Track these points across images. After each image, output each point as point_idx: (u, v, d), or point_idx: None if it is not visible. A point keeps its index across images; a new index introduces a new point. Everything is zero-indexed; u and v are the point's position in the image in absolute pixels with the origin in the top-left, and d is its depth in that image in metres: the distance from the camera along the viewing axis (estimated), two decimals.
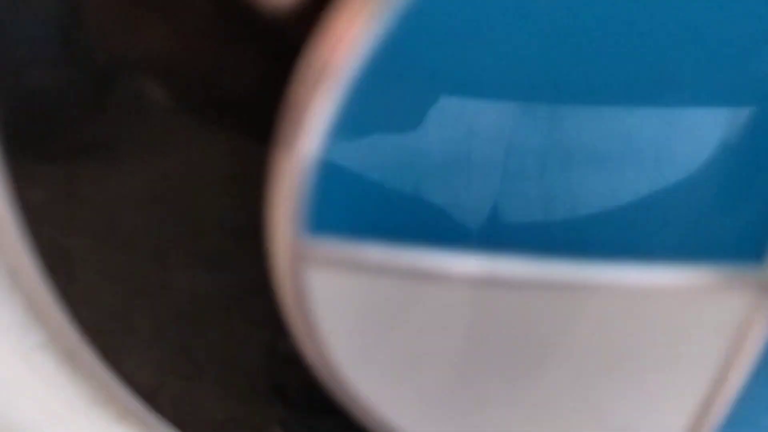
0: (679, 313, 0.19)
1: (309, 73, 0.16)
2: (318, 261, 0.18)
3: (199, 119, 0.18)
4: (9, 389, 0.25)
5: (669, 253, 0.18)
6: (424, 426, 0.22)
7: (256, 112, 0.18)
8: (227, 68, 0.17)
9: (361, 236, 0.18)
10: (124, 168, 0.20)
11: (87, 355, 0.24)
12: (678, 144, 0.16)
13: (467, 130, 0.17)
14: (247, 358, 0.24)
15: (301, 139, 0.16)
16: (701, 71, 0.16)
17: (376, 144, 0.17)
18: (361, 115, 0.17)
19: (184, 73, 0.18)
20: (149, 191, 0.20)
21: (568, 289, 0.18)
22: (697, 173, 0.17)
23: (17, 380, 0.25)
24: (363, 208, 0.18)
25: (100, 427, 0.27)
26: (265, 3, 0.15)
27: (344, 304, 0.19)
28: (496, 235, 0.18)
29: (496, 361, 0.20)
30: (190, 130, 0.19)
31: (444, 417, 0.22)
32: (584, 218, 0.17)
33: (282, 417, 0.26)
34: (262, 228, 0.19)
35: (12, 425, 0.26)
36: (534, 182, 0.17)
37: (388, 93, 0.16)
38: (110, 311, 0.23)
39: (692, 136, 0.16)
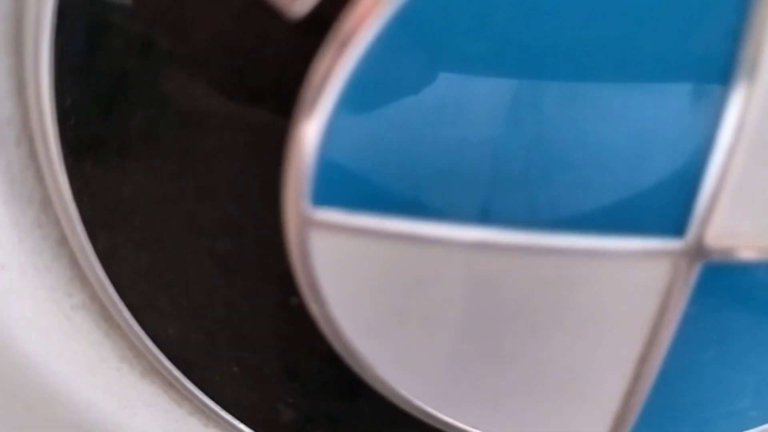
0: (614, 277, 0.21)
1: (321, 62, 0.18)
2: (319, 227, 0.21)
3: (226, 104, 0.21)
4: (52, 343, 0.27)
5: (605, 225, 0.20)
6: (408, 377, 0.25)
7: (276, 98, 0.20)
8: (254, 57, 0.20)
9: (356, 207, 0.21)
10: (157, 149, 0.22)
11: (120, 316, 0.26)
12: (609, 131, 0.19)
13: (460, 114, 0.19)
14: (260, 328, 0.26)
15: (308, 119, 0.19)
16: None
17: (374, 124, 0.19)
18: (361, 97, 0.19)
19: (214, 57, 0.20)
20: (179, 169, 0.22)
21: (524, 254, 0.21)
22: (628, 157, 0.19)
23: (59, 335, 0.27)
24: (358, 183, 0.20)
25: (128, 381, 0.28)
26: (283, 10, 0.18)
27: (341, 264, 0.22)
28: (470, 209, 0.20)
29: (465, 319, 0.23)
30: (217, 116, 0.21)
31: (426, 371, 0.25)
32: (541, 194, 0.20)
33: (292, 398, 0.28)
34: (276, 199, 0.21)
35: (52, 375, 0.27)
36: (500, 171, 0.20)
37: (389, 75, 0.19)
38: (142, 277, 0.25)
39: (622, 124, 0.19)
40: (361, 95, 0.19)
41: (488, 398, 0.25)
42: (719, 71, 0.18)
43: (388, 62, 0.19)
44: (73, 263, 0.26)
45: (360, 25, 0.18)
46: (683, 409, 0.25)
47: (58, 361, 0.27)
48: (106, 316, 0.27)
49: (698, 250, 0.20)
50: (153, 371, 0.28)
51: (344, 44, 0.18)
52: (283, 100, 0.20)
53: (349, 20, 0.18)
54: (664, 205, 0.20)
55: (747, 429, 0.26)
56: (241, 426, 0.29)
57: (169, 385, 0.28)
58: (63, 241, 0.25)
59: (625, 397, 0.24)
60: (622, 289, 0.22)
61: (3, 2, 0.21)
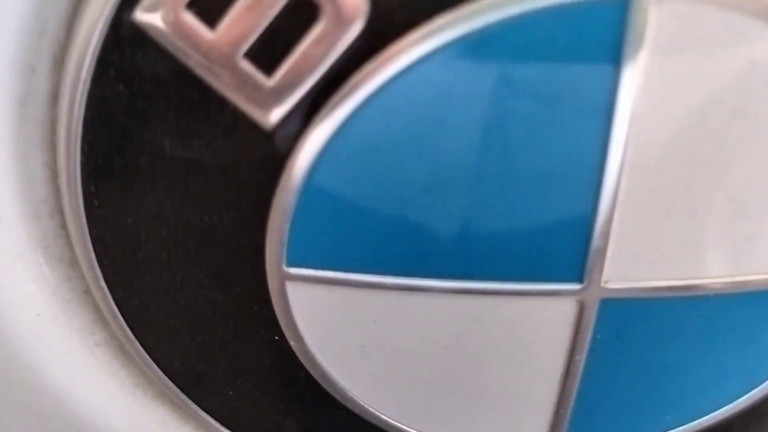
0: (534, 312, 0.25)
1: (292, 164, 0.23)
2: (294, 280, 0.25)
3: (221, 198, 0.24)
4: (78, 374, 0.29)
5: (524, 273, 0.24)
6: (374, 396, 0.28)
7: (258, 185, 0.23)
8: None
9: (320, 265, 0.24)
10: (162, 225, 0.25)
11: (135, 350, 0.28)
12: (516, 201, 0.23)
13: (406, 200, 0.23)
14: (250, 360, 0.28)
15: (281, 205, 0.23)
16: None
17: (330, 215, 0.23)
18: (319, 196, 0.23)
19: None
20: (182, 240, 0.25)
21: (462, 297, 0.25)
22: (536, 228, 0.23)
23: (85, 368, 0.29)
24: (321, 249, 0.24)
25: (142, 404, 0.31)
26: (260, 122, 0.22)
27: (313, 308, 0.25)
28: (415, 265, 0.24)
29: (415, 350, 0.26)
30: (213, 206, 0.24)
31: (388, 392, 0.28)
32: (481, 254, 0.24)
33: (280, 416, 0.30)
34: (260, 260, 0.25)
35: (79, 402, 0.30)
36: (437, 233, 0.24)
37: (347, 178, 0.23)
38: (152, 320, 0.27)
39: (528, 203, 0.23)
40: (321, 191, 0.23)
41: (440, 413, 0.29)
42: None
43: (350, 162, 0.23)
44: (96, 309, 0.28)
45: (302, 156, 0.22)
46: (606, 416, 0.29)
47: (84, 390, 0.30)
48: (123, 351, 0.29)
49: (595, 291, 0.25)
50: (162, 395, 0.30)
51: (303, 148, 0.22)
52: (264, 185, 0.23)
53: (299, 150, 0.22)
54: (568, 260, 0.24)
55: (665, 431, 0.30)
56: None
57: (177, 406, 0.31)
58: (87, 292, 0.28)
59: (556, 409, 0.28)
60: (540, 321, 0.25)
61: (39, 111, 0.24)
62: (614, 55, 0.21)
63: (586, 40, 0.21)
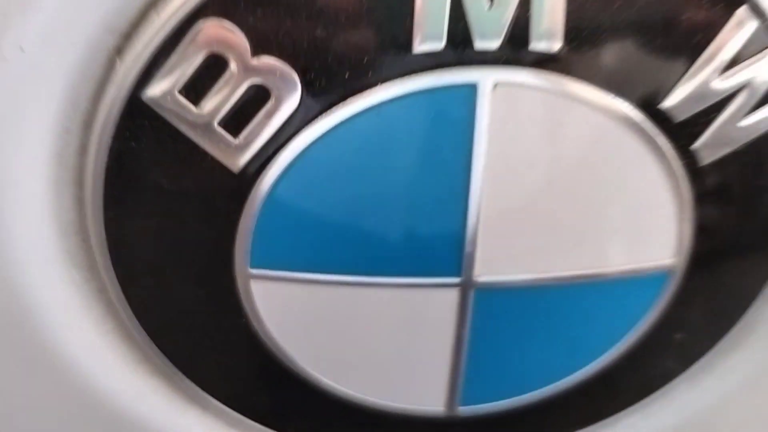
0: (427, 298, 0.32)
1: (249, 210, 0.31)
2: (256, 278, 0.31)
3: (201, 222, 0.31)
4: (93, 354, 0.34)
5: (419, 270, 0.32)
6: (316, 362, 0.34)
7: (228, 213, 0.31)
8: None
9: (276, 267, 0.31)
10: (161, 244, 0.31)
11: (139, 334, 0.33)
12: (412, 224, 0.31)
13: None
14: (224, 339, 0.33)
15: (245, 230, 0.31)
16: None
17: (284, 235, 0.31)
18: (275, 218, 0.31)
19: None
20: (173, 251, 0.31)
21: (372, 288, 0.32)
22: (424, 232, 0.31)
23: (98, 349, 0.34)
24: (277, 255, 0.31)
25: (142, 377, 0.35)
26: (230, 167, 0.30)
27: (271, 298, 0.32)
28: (340, 265, 0.32)
29: (339, 326, 0.33)
30: (195, 228, 0.30)
31: (326, 358, 0.34)
32: (378, 255, 0.32)
33: (250, 383, 0.35)
34: (231, 263, 0.31)
35: (92, 377, 0.34)
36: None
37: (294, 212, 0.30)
38: (151, 311, 0.33)
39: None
40: (274, 214, 0.31)
41: (366, 378, 0.35)
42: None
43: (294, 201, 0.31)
44: (109, 303, 0.33)
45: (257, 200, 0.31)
46: (490, 378, 0.35)
47: (97, 366, 0.34)
48: (129, 335, 0.34)
49: (470, 284, 0.32)
50: (159, 370, 0.35)
51: (260, 185, 0.31)
52: (233, 210, 0.31)
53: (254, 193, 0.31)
54: (450, 260, 0.32)
55: (539, 388, 0.36)
56: (217, 403, 0.36)
57: (169, 378, 0.35)
58: (102, 290, 0.33)
59: (451, 372, 0.34)
60: (433, 305, 0.32)
61: (72, 159, 0.31)
62: (469, 119, 0.30)
63: (449, 112, 0.29)
